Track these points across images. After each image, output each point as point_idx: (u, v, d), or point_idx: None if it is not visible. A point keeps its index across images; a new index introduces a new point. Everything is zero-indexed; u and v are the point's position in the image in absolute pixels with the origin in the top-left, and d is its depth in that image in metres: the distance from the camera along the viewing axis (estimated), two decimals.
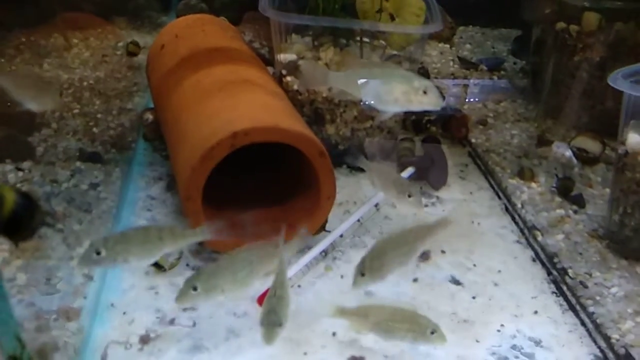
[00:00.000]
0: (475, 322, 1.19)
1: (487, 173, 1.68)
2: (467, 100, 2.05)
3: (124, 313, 1.15)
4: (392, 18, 1.63)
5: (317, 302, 1.20)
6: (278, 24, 1.59)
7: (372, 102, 1.21)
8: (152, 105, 1.66)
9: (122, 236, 1.02)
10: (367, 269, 1.06)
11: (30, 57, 1.99)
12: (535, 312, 1.23)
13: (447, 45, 2.38)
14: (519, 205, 1.51)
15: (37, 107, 1.15)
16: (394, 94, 1.17)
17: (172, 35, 1.64)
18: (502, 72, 2.23)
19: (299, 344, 1.11)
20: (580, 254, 1.35)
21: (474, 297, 1.25)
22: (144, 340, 1.09)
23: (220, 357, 1.08)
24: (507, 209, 1.55)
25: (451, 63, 2.27)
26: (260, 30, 2.02)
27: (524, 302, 1.25)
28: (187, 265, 1.27)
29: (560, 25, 1.83)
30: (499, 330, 1.17)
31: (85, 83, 1.89)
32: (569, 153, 1.67)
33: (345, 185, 1.58)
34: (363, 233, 1.40)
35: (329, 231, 1.33)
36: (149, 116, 1.64)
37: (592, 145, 1.67)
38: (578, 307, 1.23)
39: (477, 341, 1.14)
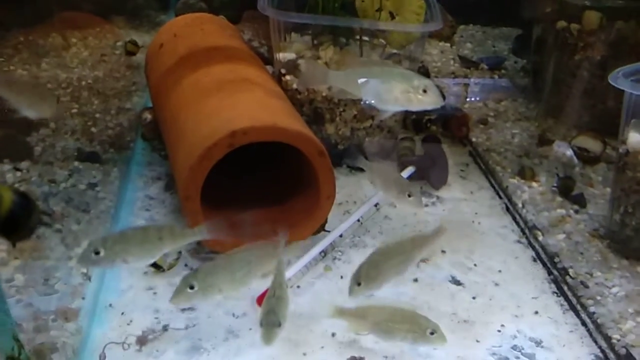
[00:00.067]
0: (475, 323, 1.18)
1: (488, 172, 1.68)
2: (467, 99, 2.04)
3: (123, 313, 1.15)
4: (392, 16, 1.62)
5: (317, 302, 1.20)
6: (277, 23, 1.59)
7: (372, 101, 1.20)
8: (150, 105, 1.65)
9: (121, 236, 1.02)
10: (363, 278, 1.05)
11: (28, 57, 1.98)
12: (536, 312, 1.22)
13: (448, 44, 2.37)
14: (520, 205, 1.51)
15: (34, 114, 1.15)
16: (394, 93, 1.16)
17: (170, 34, 1.64)
18: (503, 71, 2.23)
19: (298, 344, 1.10)
20: (581, 253, 1.35)
21: (474, 297, 1.25)
22: (142, 341, 1.08)
23: (219, 357, 1.07)
24: (507, 209, 1.54)
25: (452, 62, 2.26)
26: (259, 29, 2.01)
27: (524, 302, 1.25)
28: (186, 265, 1.27)
29: (561, 24, 1.82)
30: (499, 331, 1.17)
31: (83, 82, 1.88)
32: (569, 152, 1.67)
33: (345, 184, 1.57)
34: (363, 233, 1.39)
35: (329, 231, 1.33)
36: (148, 115, 1.63)
37: (593, 145, 1.67)
38: (579, 307, 1.23)
39: (478, 341, 1.14)
